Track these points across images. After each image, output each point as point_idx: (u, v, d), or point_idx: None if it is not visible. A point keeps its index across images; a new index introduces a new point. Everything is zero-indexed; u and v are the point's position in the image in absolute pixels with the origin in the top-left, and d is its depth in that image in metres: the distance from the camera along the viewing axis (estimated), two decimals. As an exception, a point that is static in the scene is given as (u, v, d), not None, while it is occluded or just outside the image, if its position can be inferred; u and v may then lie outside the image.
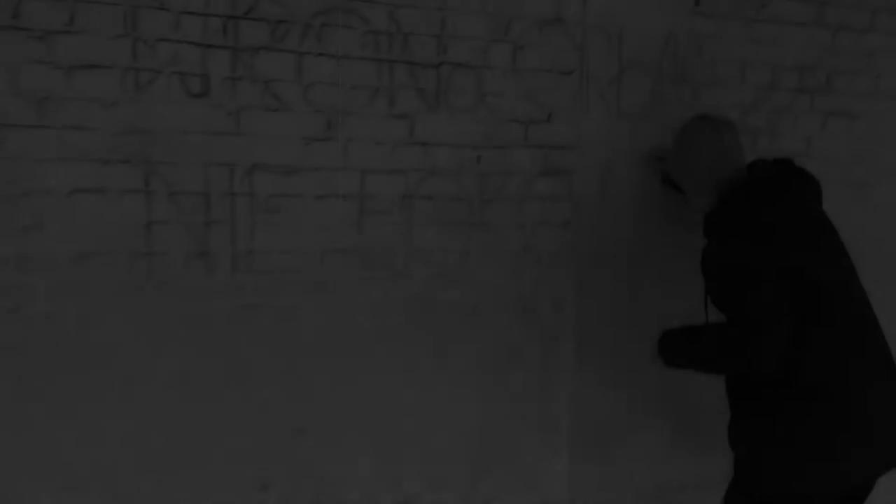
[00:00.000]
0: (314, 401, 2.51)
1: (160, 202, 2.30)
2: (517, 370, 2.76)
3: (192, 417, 2.39)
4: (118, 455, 2.32)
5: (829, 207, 3.06)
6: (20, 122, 2.16)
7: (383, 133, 2.51)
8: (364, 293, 2.54)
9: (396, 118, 2.53)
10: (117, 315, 2.29)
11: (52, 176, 2.20)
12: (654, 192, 2.80)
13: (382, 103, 2.50)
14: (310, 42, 2.41)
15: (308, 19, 2.40)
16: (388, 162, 2.53)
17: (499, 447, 2.77)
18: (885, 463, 2.26)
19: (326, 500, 2.56)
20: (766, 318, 2.07)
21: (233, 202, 2.37)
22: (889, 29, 3.18)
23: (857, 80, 3.16)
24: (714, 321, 2.29)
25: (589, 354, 2.82)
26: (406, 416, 2.63)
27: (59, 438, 2.26)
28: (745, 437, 2.32)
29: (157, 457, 2.36)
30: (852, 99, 3.16)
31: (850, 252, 3.03)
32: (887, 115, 3.22)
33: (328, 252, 2.48)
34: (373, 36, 2.47)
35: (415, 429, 2.65)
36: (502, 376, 2.75)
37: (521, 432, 2.79)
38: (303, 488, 2.53)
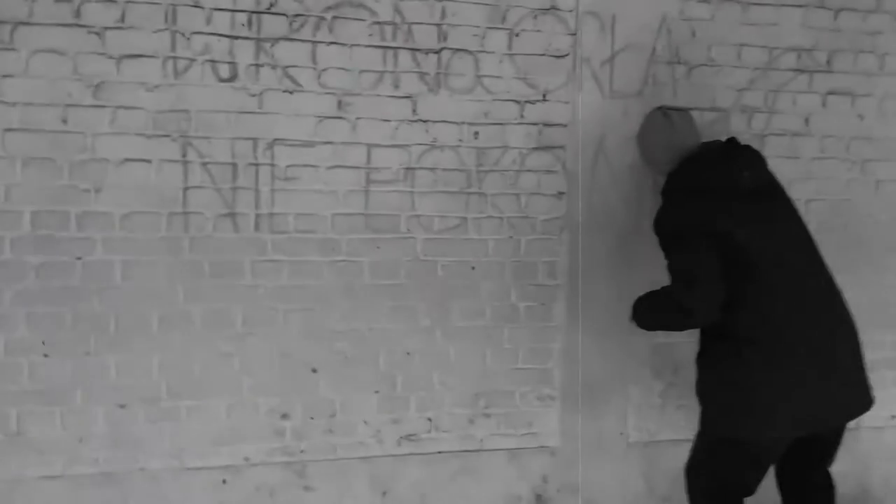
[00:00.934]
0: (326, 343, 2.85)
1: (195, 170, 2.69)
2: (512, 327, 3.01)
3: (222, 354, 2.77)
4: (159, 382, 2.73)
5: (829, 184, 3.17)
6: (80, 103, 2.58)
7: (388, 112, 2.81)
8: (370, 253, 2.85)
9: (400, 98, 2.82)
10: (158, 265, 2.69)
11: (106, 148, 2.62)
12: (644, 167, 2.97)
13: (387, 85, 2.80)
14: (323, 32, 2.73)
15: (321, 13, 2.72)
16: (392, 137, 2.82)
17: (495, 394, 3.02)
18: (830, 414, 2.40)
19: (337, 430, 2.89)
20: (694, 274, 2.30)
21: (256, 171, 2.73)
22: (895, 9, 3.20)
23: (861, 60, 3.21)
24: None
25: (580, 314, 3.03)
26: (409, 362, 2.93)
27: (110, 365, 2.68)
28: (701, 389, 2.51)
29: (193, 385, 2.76)
30: (855, 78, 3.21)
31: (848, 226, 3.14)
32: (892, 93, 3.25)
33: (338, 216, 2.81)
34: (379, 26, 2.76)
35: (417, 373, 2.94)
36: (498, 331, 3.00)
37: (517, 383, 3.04)
38: (317, 419, 2.87)
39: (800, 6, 3.11)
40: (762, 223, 2.39)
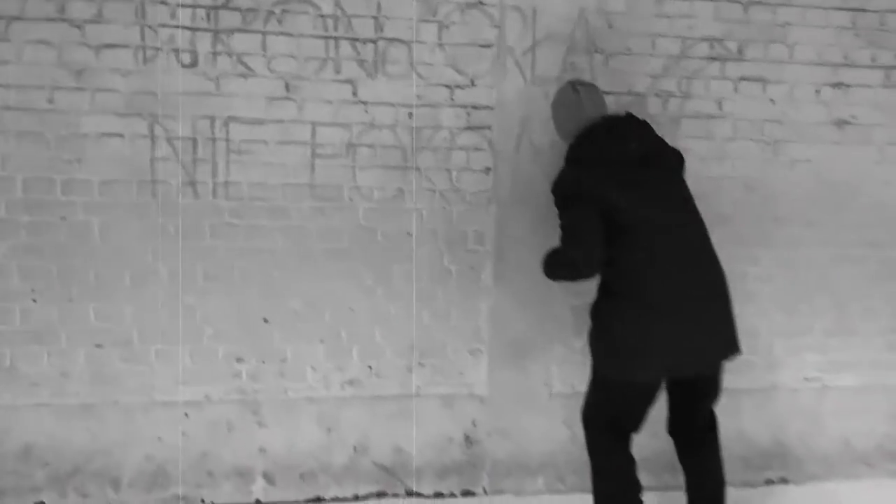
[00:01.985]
0: (277, 298, 3.19)
1: (161, 145, 3.06)
2: (445, 287, 3.31)
3: (186, 305, 3.14)
4: (132, 328, 3.11)
5: (743, 163, 3.42)
6: (65, 86, 2.97)
7: (331, 94, 3.14)
8: (316, 219, 3.19)
9: (342, 82, 3.15)
10: (131, 226, 3.07)
11: (87, 124, 3.01)
12: (562, 145, 3.25)
13: (330, 71, 3.14)
14: (272, 24, 3.08)
15: (271, 7, 3.07)
16: (335, 117, 3.16)
17: (430, 347, 3.33)
18: (697, 359, 2.65)
19: (287, 374, 3.24)
20: (576, 232, 2.58)
21: (214, 145, 3.09)
22: (803, 3, 3.42)
23: (772, 49, 3.43)
24: None
25: (506, 278, 3.33)
26: (353, 318, 3.26)
27: (90, 312, 3.07)
28: (590, 337, 2.79)
29: (160, 332, 3.13)
30: (766, 66, 3.43)
31: (765, 203, 3.40)
32: (802, 80, 3.47)
33: (287, 186, 3.15)
34: (322, 18, 3.11)
35: (360, 327, 3.27)
36: (433, 292, 3.30)
37: (449, 338, 3.34)
38: (268, 364, 3.23)
39: (712, 0, 3.35)
40: (643, 189, 2.65)
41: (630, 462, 2.81)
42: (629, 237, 2.60)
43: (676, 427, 2.92)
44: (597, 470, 2.85)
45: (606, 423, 2.79)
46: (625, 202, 2.59)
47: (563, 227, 2.67)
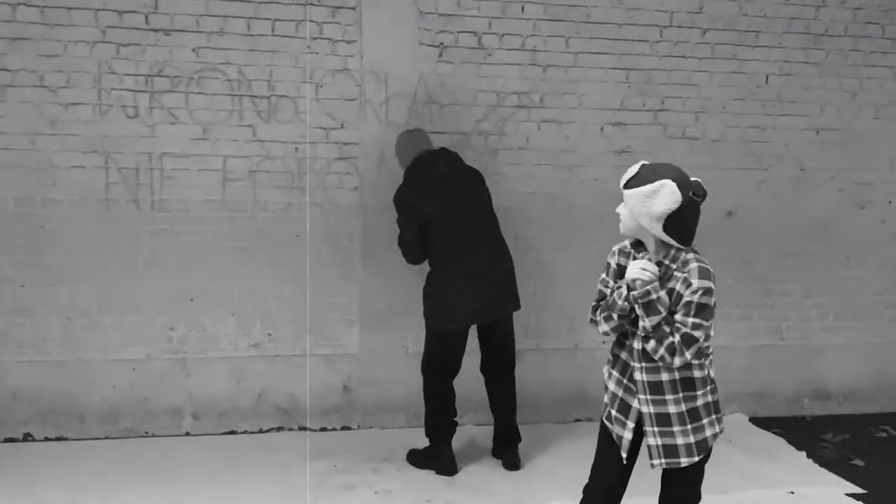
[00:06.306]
0: (199, 282, 4.18)
1: (113, 173, 4.07)
2: (325, 274, 4.32)
3: (132, 287, 4.13)
4: (92, 304, 4.10)
5: (545, 182, 4.45)
6: (43, 132, 3.98)
7: (236, 135, 4.16)
8: (226, 225, 4.19)
9: (244, 126, 4.18)
10: (91, 231, 4.06)
11: (59, 159, 4.02)
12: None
13: (236, 119, 4.16)
14: (193, 86, 4.11)
15: (191, 74, 4.10)
16: (240, 151, 4.18)
17: (314, 318, 4.32)
18: (486, 312, 3.66)
19: (208, 339, 4.23)
20: (401, 231, 3.63)
21: (151, 173, 4.11)
22: (588, 65, 4.50)
23: (564, 99, 4.49)
24: None
25: (371, 267, 4.32)
26: (255, 296, 4.25)
27: (62, 292, 4.06)
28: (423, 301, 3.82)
29: (113, 306, 4.11)
30: (561, 111, 4.47)
31: (563, 213, 4.41)
32: (589, 121, 4.53)
33: (204, 201, 4.16)
34: (229, 82, 4.14)
35: (260, 304, 4.28)
36: (316, 277, 4.30)
37: (328, 312, 4.34)
38: (193, 331, 4.23)
39: (518, 64, 4.41)
40: (447, 198, 3.65)
41: (450, 396, 3.80)
42: (438, 230, 3.62)
43: (484, 366, 3.93)
44: (427, 401, 3.84)
45: (435, 368, 3.77)
46: (434, 207, 3.60)
47: (398, 227, 3.71)
